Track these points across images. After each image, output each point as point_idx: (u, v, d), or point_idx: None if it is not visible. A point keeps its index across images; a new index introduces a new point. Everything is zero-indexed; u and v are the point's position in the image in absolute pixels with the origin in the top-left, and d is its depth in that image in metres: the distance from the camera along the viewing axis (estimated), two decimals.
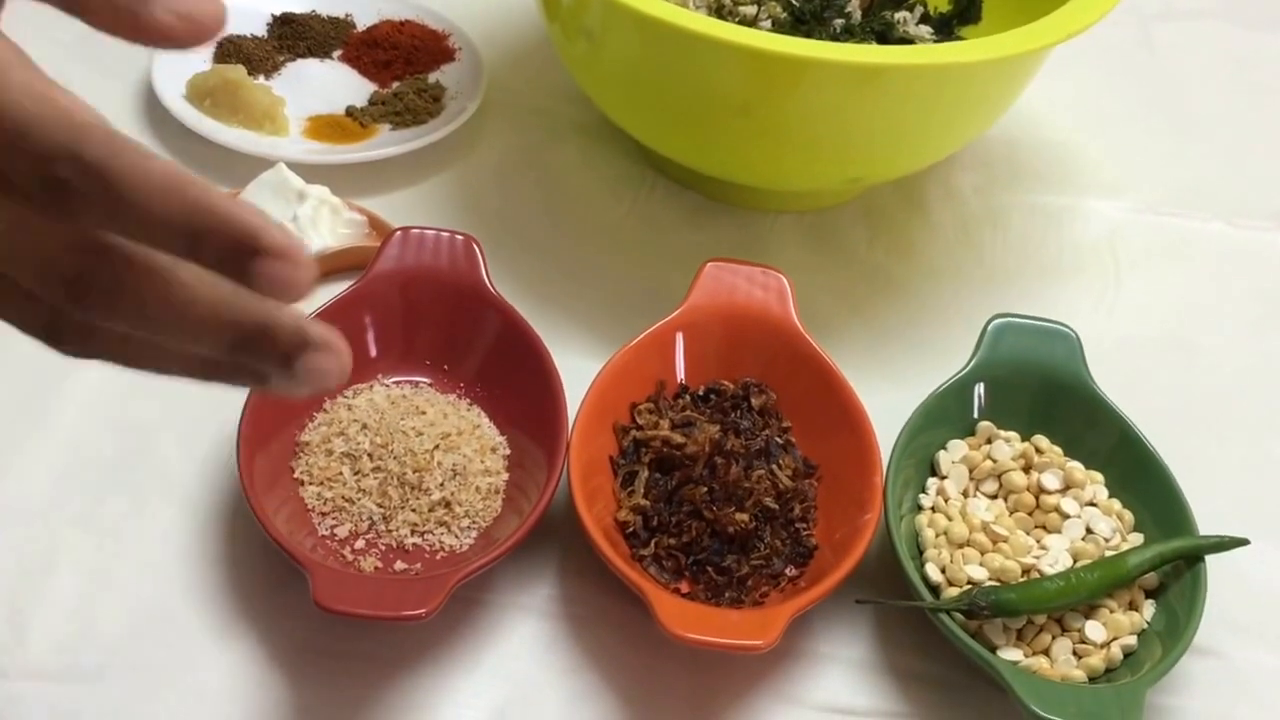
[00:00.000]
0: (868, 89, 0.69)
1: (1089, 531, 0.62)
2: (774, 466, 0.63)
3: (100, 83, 0.82)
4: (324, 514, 0.60)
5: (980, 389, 0.67)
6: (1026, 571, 0.60)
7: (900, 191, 0.85)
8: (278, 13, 0.90)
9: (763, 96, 0.69)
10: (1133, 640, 0.58)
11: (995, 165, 0.88)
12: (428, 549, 0.59)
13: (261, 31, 0.89)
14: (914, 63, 0.67)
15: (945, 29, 0.86)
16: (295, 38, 0.88)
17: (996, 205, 0.86)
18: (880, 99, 0.70)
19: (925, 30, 0.84)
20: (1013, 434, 0.65)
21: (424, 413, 0.63)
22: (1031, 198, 0.87)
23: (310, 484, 0.61)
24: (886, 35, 0.81)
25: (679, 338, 0.67)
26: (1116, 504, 0.63)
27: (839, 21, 0.80)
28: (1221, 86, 1.00)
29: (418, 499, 0.60)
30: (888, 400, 0.65)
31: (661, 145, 0.79)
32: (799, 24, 0.79)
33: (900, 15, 0.83)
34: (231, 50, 0.85)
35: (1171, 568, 0.60)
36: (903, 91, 0.69)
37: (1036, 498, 0.63)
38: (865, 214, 0.84)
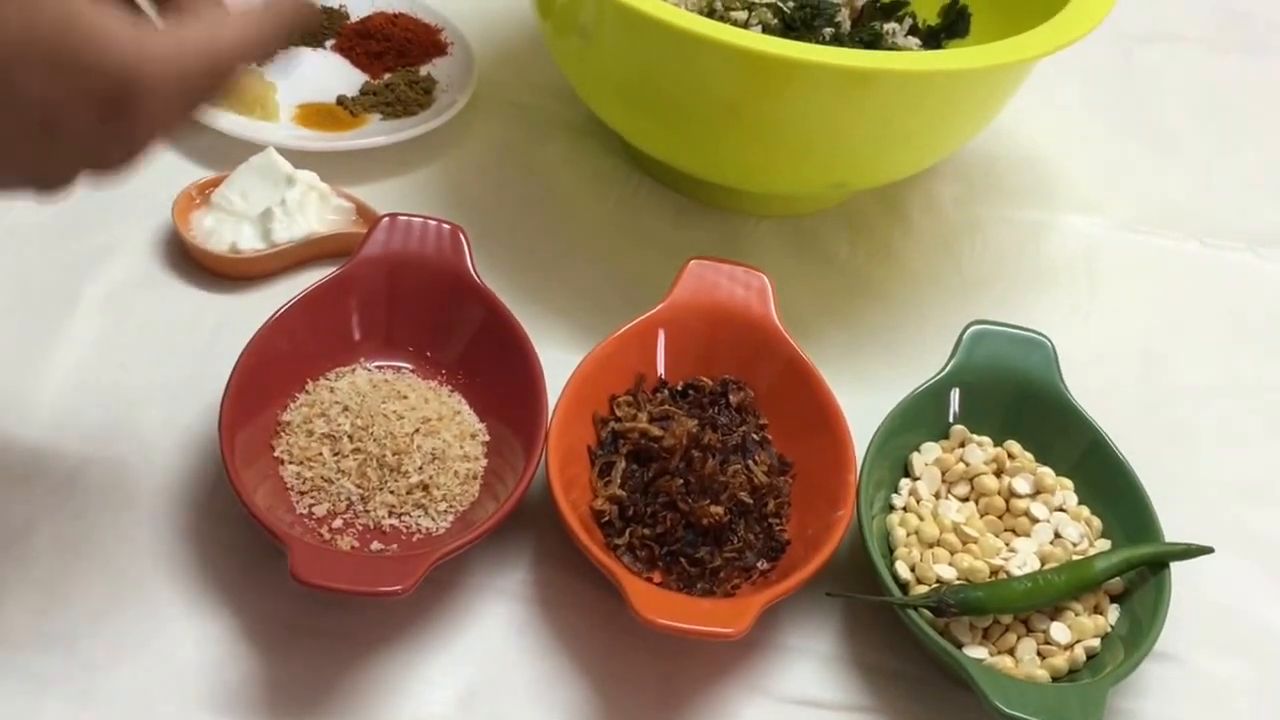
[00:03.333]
0: (857, 93, 0.69)
1: (1057, 536, 0.63)
2: (749, 462, 0.63)
3: None
4: (302, 493, 0.60)
5: (955, 394, 0.68)
6: (995, 572, 0.60)
7: (881, 200, 0.86)
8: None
9: (752, 98, 0.70)
10: (1096, 643, 0.59)
11: (976, 178, 0.90)
12: (404, 530, 0.60)
13: None
14: (905, 68, 0.68)
15: (933, 42, 0.87)
16: None
17: (975, 217, 0.87)
18: (869, 104, 0.70)
19: (913, 42, 0.85)
20: (986, 439, 0.66)
21: (405, 397, 0.64)
22: (1010, 211, 0.88)
23: (290, 463, 0.61)
24: (875, 46, 0.82)
25: (660, 333, 0.67)
26: (1085, 510, 0.64)
27: (829, 30, 0.81)
28: (1199, 109, 1.02)
29: (396, 481, 0.60)
30: (864, 402, 0.65)
31: (649, 144, 0.80)
32: (789, 31, 0.80)
33: (889, 26, 0.84)
34: None
35: (1137, 573, 0.61)
36: (892, 97, 0.70)
37: (1007, 501, 0.64)
38: (846, 221, 0.85)
